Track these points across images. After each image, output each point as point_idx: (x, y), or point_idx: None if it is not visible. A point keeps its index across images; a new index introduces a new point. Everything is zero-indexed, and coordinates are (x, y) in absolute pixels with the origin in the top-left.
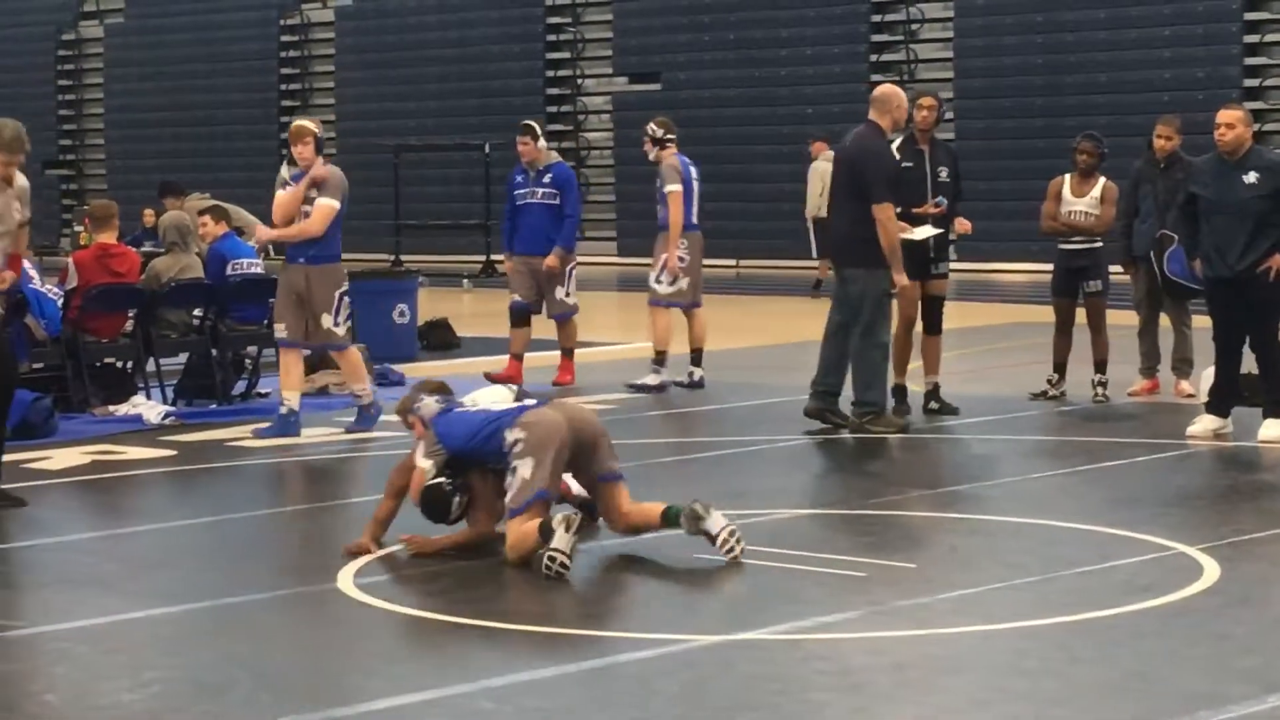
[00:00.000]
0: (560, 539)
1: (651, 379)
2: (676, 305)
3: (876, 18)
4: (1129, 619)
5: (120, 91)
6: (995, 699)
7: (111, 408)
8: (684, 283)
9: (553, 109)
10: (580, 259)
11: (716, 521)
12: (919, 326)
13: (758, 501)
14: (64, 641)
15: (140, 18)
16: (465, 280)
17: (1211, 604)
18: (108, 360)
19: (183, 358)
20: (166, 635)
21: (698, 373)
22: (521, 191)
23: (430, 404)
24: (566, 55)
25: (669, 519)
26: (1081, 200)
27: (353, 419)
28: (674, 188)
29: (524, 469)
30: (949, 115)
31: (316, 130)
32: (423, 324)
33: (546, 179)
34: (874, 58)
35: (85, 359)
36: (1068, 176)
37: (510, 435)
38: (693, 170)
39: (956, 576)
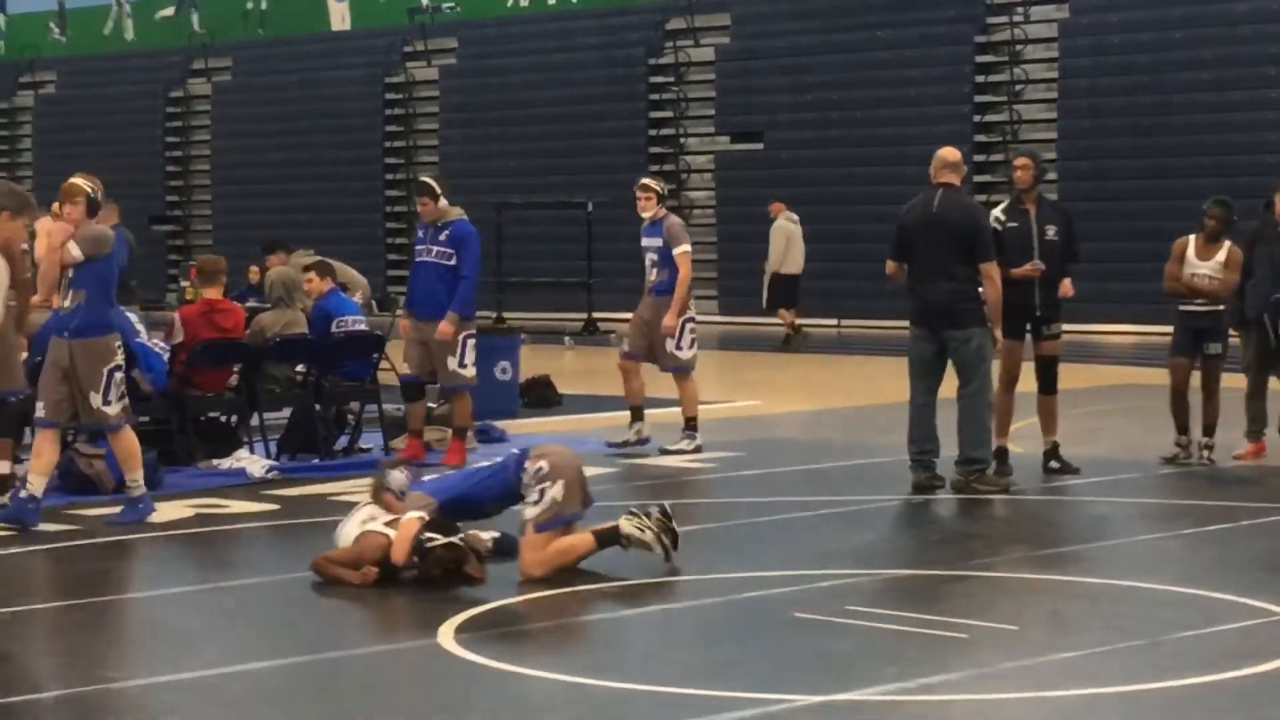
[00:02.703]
0: (649, 534)
1: (686, 444)
2: (684, 369)
3: (980, 78)
4: (1235, 684)
5: (227, 148)
6: None
7: (216, 461)
8: (696, 345)
9: (655, 167)
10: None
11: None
12: (1034, 386)
13: (859, 561)
14: (170, 694)
15: (247, 75)
16: (567, 338)
17: None
18: (212, 414)
19: (286, 412)
20: (270, 689)
21: (644, 429)
22: (419, 248)
23: (398, 475)
24: (669, 114)
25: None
26: (1206, 264)
27: (120, 510)
28: (687, 248)
29: (555, 490)
30: (1052, 176)
31: (89, 189)
32: (524, 381)
33: (443, 235)
34: (977, 118)
35: (190, 413)
36: (1192, 238)
37: (532, 465)
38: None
39: (1060, 639)
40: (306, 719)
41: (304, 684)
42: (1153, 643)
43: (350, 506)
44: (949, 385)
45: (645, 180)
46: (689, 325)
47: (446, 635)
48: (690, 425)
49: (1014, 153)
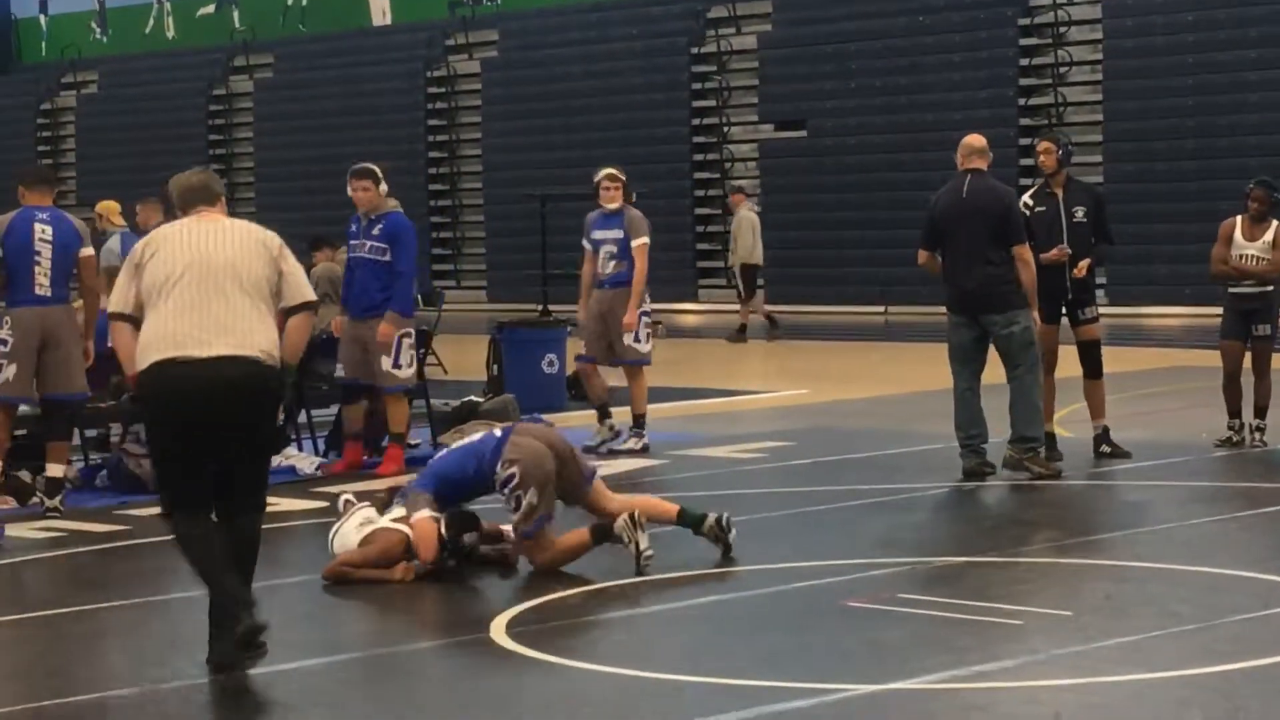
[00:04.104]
0: (643, 539)
1: (634, 442)
2: (642, 363)
3: (1024, 61)
4: None
5: (270, 145)
6: None
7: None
8: (652, 340)
9: (699, 156)
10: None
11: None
12: (1078, 371)
13: (910, 549)
14: (222, 693)
15: (289, 72)
16: (660, 325)
17: None
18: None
19: (334, 409)
20: (322, 686)
21: (615, 423)
22: (353, 243)
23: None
24: (712, 103)
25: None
26: (1253, 245)
27: None
28: (646, 240)
29: (530, 496)
30: (1096, 158)
31: None
32: (571, 373)
33: (377, 230)
34: (1022, 101)
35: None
36: (1239, 219)
37: (504, 471)
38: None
39: (1114, 624)
40: (355, 714)
41: (353, 680)
42: (1207, 627)
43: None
44: (992, 371)
45: (613, 170)
46: (645, 319)
47: (499, 630)
48: (639, 423)
49: (1038, 138)
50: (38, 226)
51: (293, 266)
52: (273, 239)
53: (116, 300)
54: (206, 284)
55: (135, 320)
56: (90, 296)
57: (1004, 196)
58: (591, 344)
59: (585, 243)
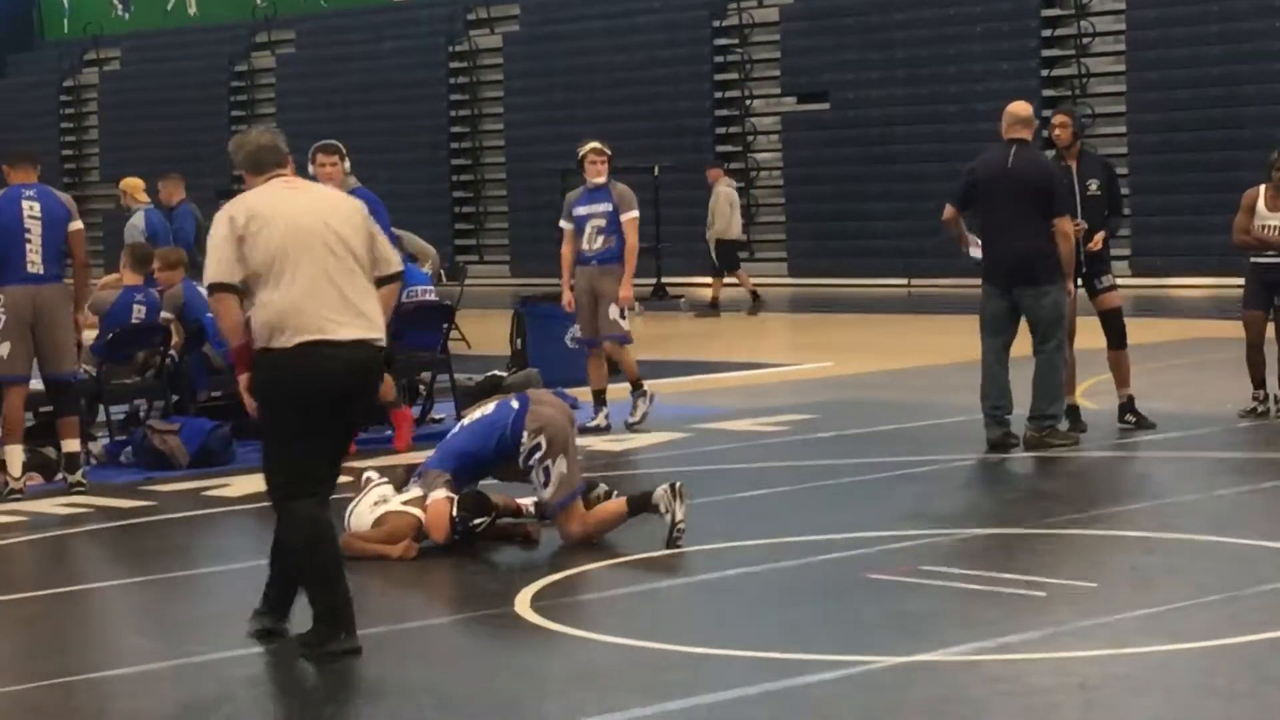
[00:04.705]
0: (680, 511)
1: (642, 404)
2: (617, 339)
3: (1047, 32)
4: None
5: (292, 121)
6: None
7: None
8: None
9: (721, 130)
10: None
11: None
12: (1097, 343)
13: (934, 522)
14: (249, 667)
15: (311, 48)
16: (636, 303)
17: None
18: None
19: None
20: (350, 660)
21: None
22: None
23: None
24: (734, 76)
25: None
26: (1276, 215)
27: None
28: (636, 214)
29: (560, 466)
30: (1119, 129)
31: None
32: None
33: None
34: (1045, 73)
35: None
36: (1262, 189)
37: (530, 440)
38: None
39: (1139, 595)
40: (380, 687)
41: (377, 653)
42: (1233, 597)
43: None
44: (1019, 345)
45: (598, 144)
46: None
47: (523, 604)
48: (638, 387)
49: (1055, 111)
50: (25, 204)
51: (378, 232)
52: (359, 205)
53: (220, 271)
54: (327, 261)
55: (239, 291)
56: (81, 271)
57: (1049, 168)
58: (586, 324)
59: (564, 223)
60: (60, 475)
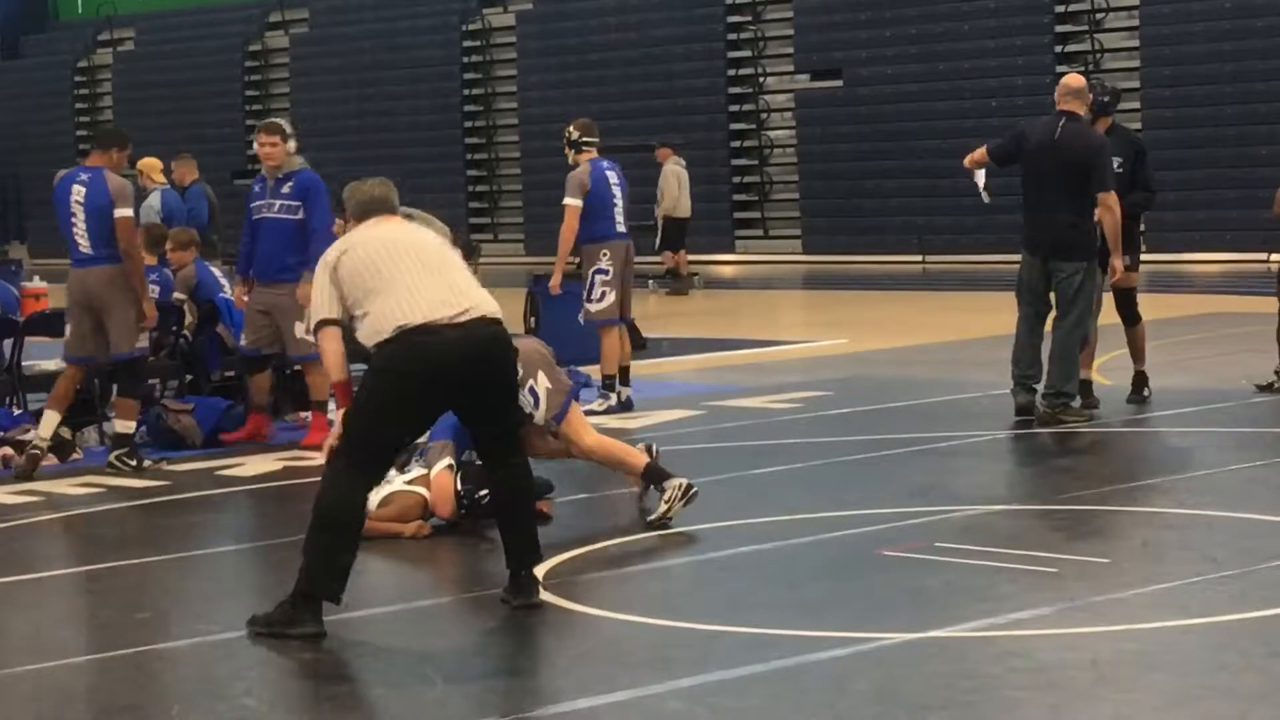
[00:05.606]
0: (677, 510)
1: (598, 404)
2: (612, 322)
3: (1060, 8)
4: None
5: (306, 100)
6: (1196, 695)
7: (303, 414)
8: (611, 296)
9: (734, 108)
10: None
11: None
12: (1117, 320)
13: (948, 497)
14: (264, 646)
15: (324, 27)
16: (650, 281)
17: None
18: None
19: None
20: (358, 639)
21: (626, 392)
22: (258, 204)
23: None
24: (748, 53)
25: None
26: None
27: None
28: (572, 201)
29: (543, 381)
30: (1134, 105)
31: None
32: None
33: (286, 188)
34: (1058, 48)
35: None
36: None
37: None
38: (612, 175)
39: (1151, 571)
40: (390, 666)
41: (389, 632)
42: (1246, 573)
43: None
44: None
45: (586, 120)
46: (599, 276)
47: None
48: (608, 383)
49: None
50: (75, 188)
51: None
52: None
53: (322, 307)
54: (418, 263)
55: (341, 325)
56: (127, 259)
57: (1096, 143)
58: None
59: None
60: (78, 454)
